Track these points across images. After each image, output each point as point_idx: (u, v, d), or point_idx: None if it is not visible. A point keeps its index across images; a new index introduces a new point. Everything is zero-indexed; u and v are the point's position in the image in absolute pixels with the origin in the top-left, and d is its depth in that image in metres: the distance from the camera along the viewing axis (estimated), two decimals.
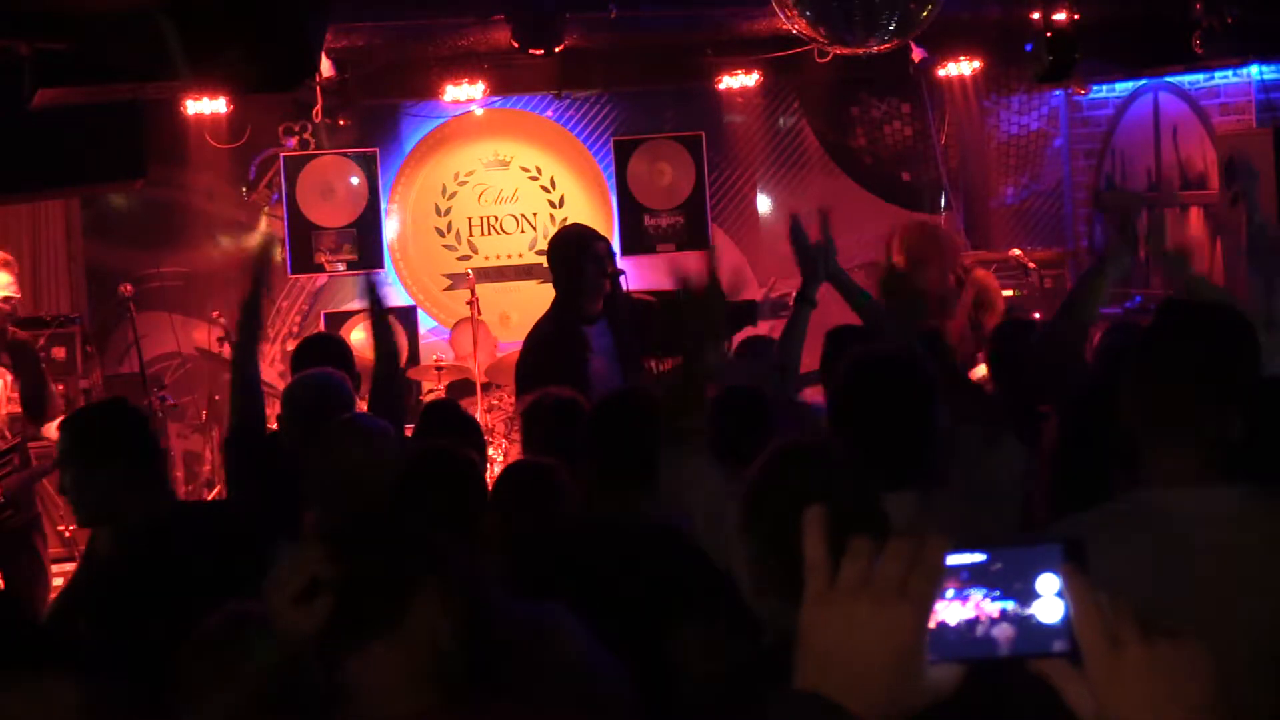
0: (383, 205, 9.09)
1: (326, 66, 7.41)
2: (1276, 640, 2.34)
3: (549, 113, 9.39)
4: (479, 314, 8.13)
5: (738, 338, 6.31)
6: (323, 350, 5.09)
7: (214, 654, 2.39)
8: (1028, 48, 7.22)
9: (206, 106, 7.96)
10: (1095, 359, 4.26)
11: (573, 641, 2.79)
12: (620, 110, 9.46)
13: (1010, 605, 1.12)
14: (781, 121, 9.75)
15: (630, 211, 9.38)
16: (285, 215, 8.88)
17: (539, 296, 7.74)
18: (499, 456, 7.27)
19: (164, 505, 3.91)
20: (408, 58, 8.33)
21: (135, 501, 3.71)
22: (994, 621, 1.12)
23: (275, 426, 4.91)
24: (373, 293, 5.20)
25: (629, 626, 2.96)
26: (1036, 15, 7.15)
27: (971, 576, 1.13)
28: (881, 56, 6.31)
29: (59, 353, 7.34)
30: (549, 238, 6.61)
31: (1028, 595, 1.12)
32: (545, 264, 6.25)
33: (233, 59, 4.52)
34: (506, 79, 8.65)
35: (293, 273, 8.99)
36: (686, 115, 9.48)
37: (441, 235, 9.28)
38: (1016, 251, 8.70)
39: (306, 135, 8.80)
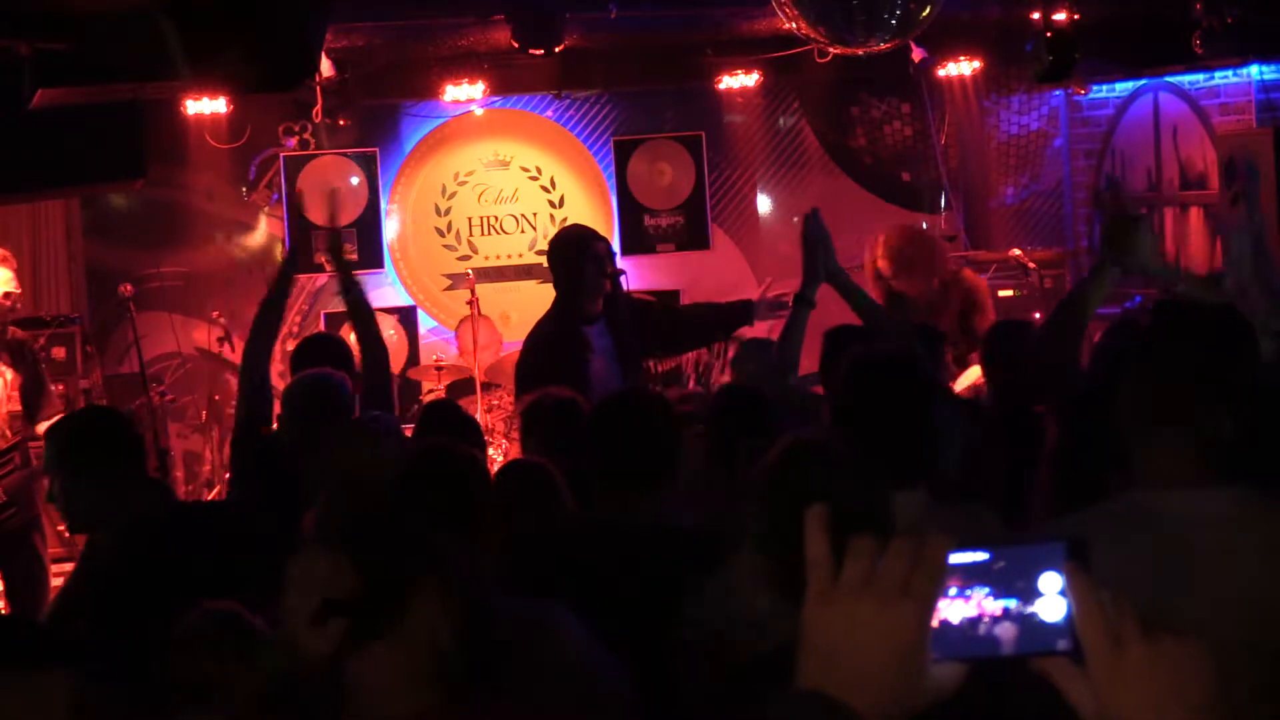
0: (383, 205, 9.09)
1: (326, 66, 7.40)
2: (1269, 643, 2.33)
3: (549, 113, 9.39)
4: (479, 314, 8.13)
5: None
6: (322, 350, 5.10)
7: (197, 654, 2.38)
8: (1028, 47, 7.22)
9: (206, 106, 7.96)
10: (1095, 359, 4.26)
11: (573, 641, 2.79)
12: (620, 110, 9.45)
13: (1013, 604, 1.12)
14: (781, 121, 9.74)
15: (630, 211, 9.38)
16: (285, 215, 8.88)
17: (539, 296, 7.74)
18: (499, 456, 7.27)
19: (158, 507, 3.91)
20: (408, 58, 8.33)
21: (122, 507, 3.73)
22: (996, 620, 1.12)
23: (275, 426, 4.91)
24: (355, 296, 5.19)
25: (629, 626, 2.96)
26: (1036, 15, 7.15)
27: (974, 575, 1.13)
28: (881, 56, 6.30)
29: (59, 353, 7.34)
30: (549, 238, 6.61)
31: (1030, 594, 1.12)
32: (545, 264, 6.25)
33: (233, 59, 4.52)
34: (506, 79, 8.65)
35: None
36: (686, 115, 9.48)
37: (441, 235, 9.27)
38: (1016, 251, 8.69)
39: (306, 135, 8.80)
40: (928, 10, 5.60)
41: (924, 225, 9.56)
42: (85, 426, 3.97)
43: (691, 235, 9.41)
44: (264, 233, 9.07)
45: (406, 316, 9.05)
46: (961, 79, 9.12)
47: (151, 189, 8.25)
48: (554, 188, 9.39)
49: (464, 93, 8.49)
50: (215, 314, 8.40)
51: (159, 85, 4.95)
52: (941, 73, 9.01)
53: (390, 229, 9.20)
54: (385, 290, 9.08)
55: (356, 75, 8.28)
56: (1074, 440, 3.31)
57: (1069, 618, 1.11)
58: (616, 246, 8.00)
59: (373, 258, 9.01)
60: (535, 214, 9.34)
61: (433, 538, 2.22)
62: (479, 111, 9.07)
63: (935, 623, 1.13)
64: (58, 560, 6.41)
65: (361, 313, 5.16)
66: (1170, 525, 2.42)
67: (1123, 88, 9.20)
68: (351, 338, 5.24)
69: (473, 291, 8.15)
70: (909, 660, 1.13)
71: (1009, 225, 9.81)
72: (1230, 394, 2.52)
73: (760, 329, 6.20)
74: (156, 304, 8.67)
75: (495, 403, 8.07)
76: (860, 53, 5.94)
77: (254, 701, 2.42)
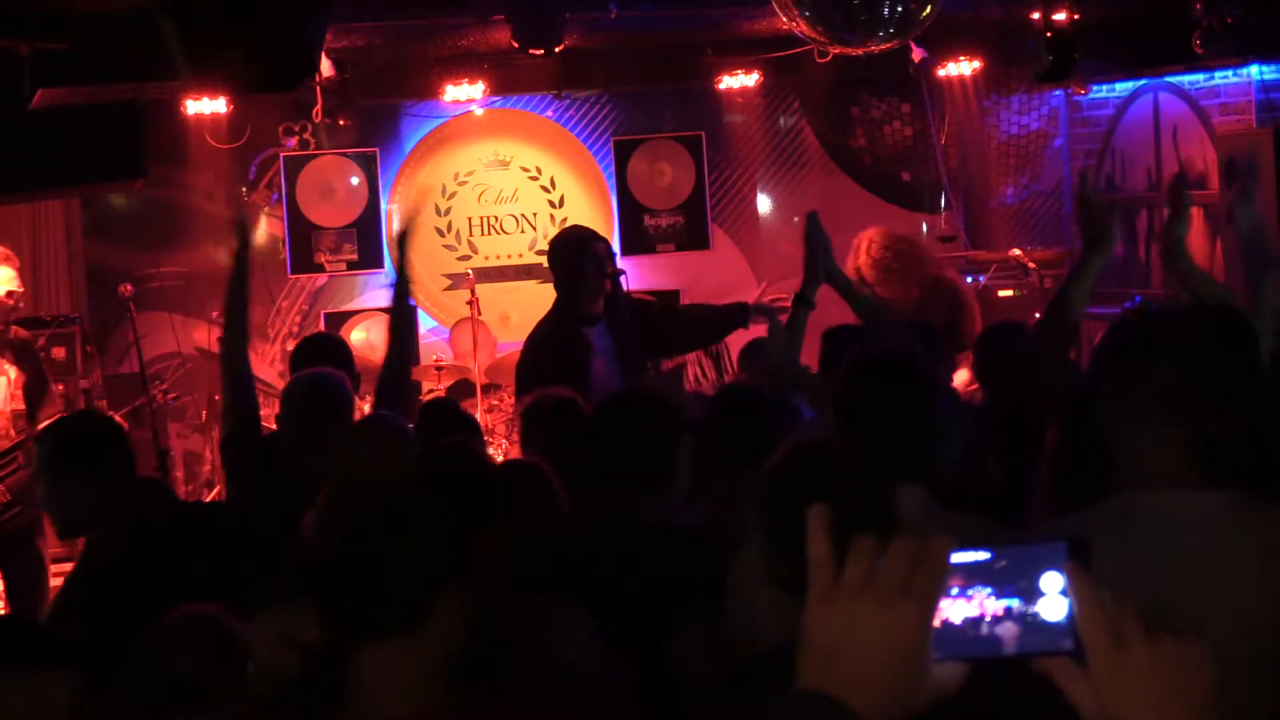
0: (383, 205, 9.08)
1: (326, 66, 7.40)
2: (1260, 646, 2.33)
3: (549, 113, 9.39)
4: (479, 314, 8.13)
5: (740, 340, 6.32)
6: (322, 350, 5.09)
7: (173, 656, 2.38)
8: (1029, 44, 7.21)
9: (206, 106, 7.95)
10: (1095, 359, 4.25)
11: (575, 640, 2.78)
12: (620, 110, 9.45)
13: (1014, 603, 1.12)
14: (781, 121, 9.74)
15: (630, 211, 9.37)
16: (285, 215, 8.88)
17: (539, 296, 7.74)
18: (499, 457, 7.27)
19: (155, 507, 3.91)
20: (408, 58, 8.32)
21: (113, 511, 3.73)
22: (998, 620, 1.12)
23: (274, 426, 4.91)
24: (402, 294, 5.14)
25: (629, 626, 2.96)
26: (1036, 15, 7.15)
27: (975, 574, 1.13)
28: (881, 56, 6.30)
29: (59, 353, 7.34)
30: (549, 238, 6.61)
31: (1032, 593, 1.12)
32: (545, 264, 6.25)
33: (233, 59, 4.52)
34: (506, 79, 8.65)
35: (293, 273, 8.99)
36: (686, 115, 9.47)
37: (441, 235, 9.27)
38: (1016, 251, 8.70)
39: (306, 135, 8.79)
40: (928, 10, 5.60)
41: (923, 225, 9.60)
42: (73, 432, 3.98)
43: (691, 235, 9.41)
44: (264, 233, 9.07)
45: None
46: (961, 79, 9.12)
47: (151, 189, 8.25)
48: (554, 188, 9.39)
49: (464, 93, 8.48)
50: (215, 314, 8.37)
51: (159, 85, 4.95)
52: (941, 73, 9.01)
53: (390, 229, 9.20)
54: (385, 290, 9.07)
55: (356, 75, 8.28)
56: (1073, 441, 3.31)
57: (1070, 617, 1.11)
58: (616, 246, 8.00)
59: (373, 258, 9.01)
60: (535, 214, 9.34)
61: (459, 538, 2.22)
62: (479, 111, 9.07)
63: (937, 623, 1.13)
64: (58, 560, 6.40)
65: (406, 315, 5.13)
66: (1163, 527, 2.42)
67: (1123, 88, 9.20)
68: (352, 337, 5.24)
69: (473, 291, 8.15)
70: (910, 660, 1.13)
71: (1009, 225, 9.81)
72: (1225, 394, 2.51)
73: (757, 333, 6.20)
74: (156, 304, 8.66)
75: (495, 403, 8.07)
76: (860, 53, 5.94)
77: (243, 702, 2.42)
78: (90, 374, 7.63)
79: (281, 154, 8.87)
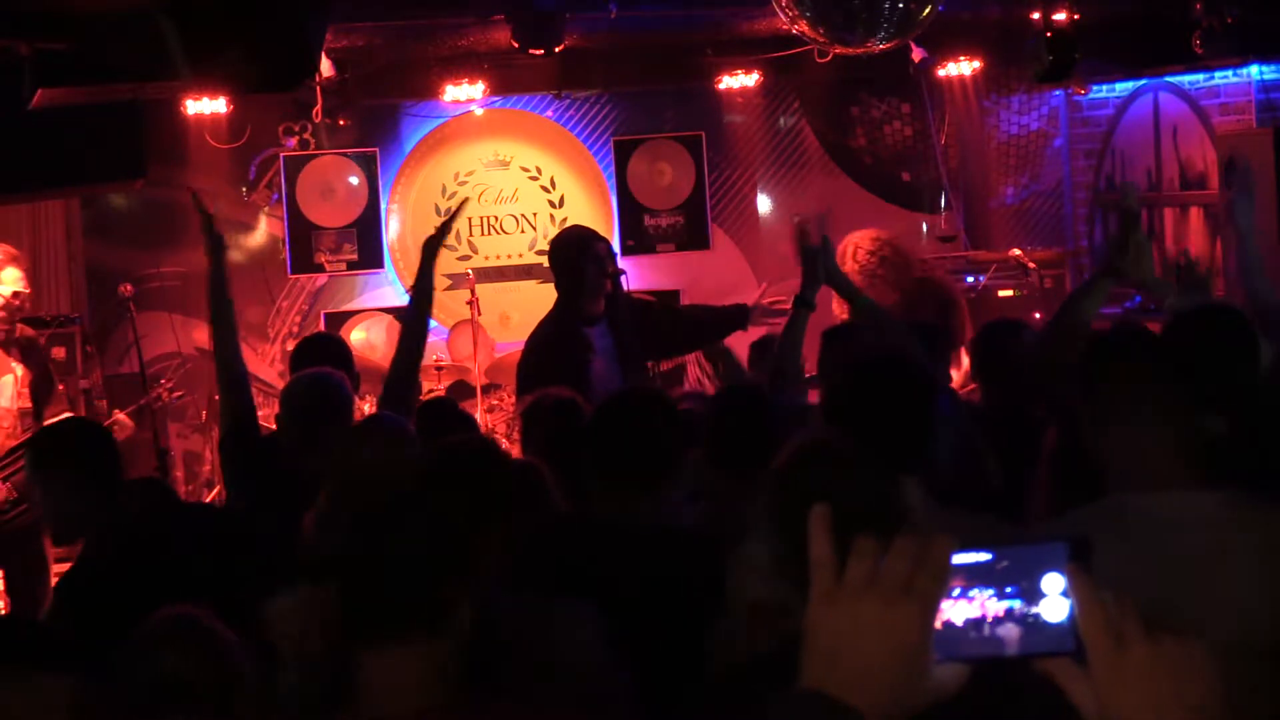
0: (383, 205, 9.08)
1: (326, 66, 7.40)
2: (1256, 645, 2.33)
3: (549, 113, 9.39)
4: (479, 314, 8.13)
5: (741, 340, 6.32)
6: (322, 350, 5.09)
7: (157, 656, 2.38)
8: (1029, 44, 7.21)
9: (206, 106, 7.95)
10: (1086, 361, 4.25)
11: (576, 640, 2.78)
12: (620, 110, 9.45)
13: (1016, 604, 1.12)
14: (781, 121, 9.74)
15: (630, 211, 9.37)
16: (285, 215, 8.88)
17: (539, 296, 7.73)
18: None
19: (153, 508, 3.92)
20: (408, 58, 8.32)
21: (105, 516, 3.74)
22: (999, 620, 1.12)
23: (274, 426, 4.91)
24: (422, 302, 5.04)
25: (629, 626, 2.96)
26: (1036, 15, 7.14)
27: (977, 575, 1.13)
28: (881, 56, 6.30)
29: (59, 353, 7.34)
30: (549, 239, 6.60)
31: (1033, 594, 1.12)
32: (545, 264, 6.24)
33: (233, 59, 4.53)
34: (506, 79, 8.64)
35: (293, 273, 8.98)
36: (686, 115, 9.47)
37: None
38: (1016, 251, 8.69)
39: (306, 135, 8.79)
40: (928, 10, 5.60)
41: (923, 225, 9.60)
42: (58, 439, 4.00)
43: (691, 235, 9.41)
44: (264, 233, 9.07)
45: None
46: (961, 79, 9.12)
47: (151, 189, 8.24)
48: (554, 188, 9.38)
49: (464, 93, 8.48)
50: None
51: (159, 85, 4.95)
52: (941, 73, 9.01)
53: (390, 229, 9.20)
54: (385, 290, 9.09)
55: (356, 75, 8.28)
56: (1075, 441, 3.30)
57: (1072, 618, 1.11)
58: (616, 246, 7.99)
59: (373, 258, 9.01)
60: (535, 214, 9.34)
61: (462, 538, 2.22)
62: (479, 111, 9.06)
63: (938, 624, 1.13)
64: (59, 560, 6.41)
65: (422, 313, 5.02)
66: (1159, 527, 2.42)
67: (1123, 88, 9.20)
68: (352, 337, 5.23)
69: (473, 291, 8.15)
70: (912, 660, 1.13)
71: (1009, 225, 9.81)
72: (1220, 394, 2.52)
73: (758, 333, 6.21)
74: (156, 304, 8.66)
75: (495, 403, 8.07)
76: (860, 53, 5.94)
77: (234, 702, 2.41)
78: (90, 374, 7.63)
79: (281, 154, 8.86)
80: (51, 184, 5.94)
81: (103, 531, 3.75)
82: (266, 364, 8.61)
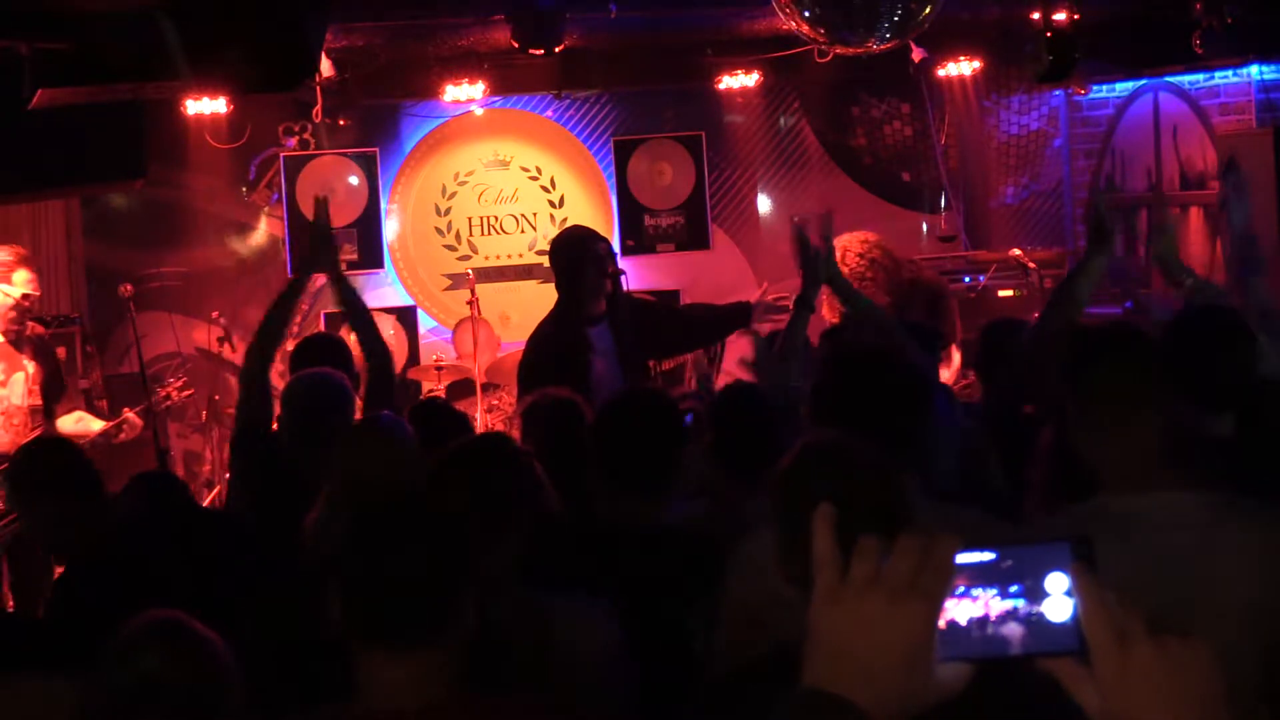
0: (383, 205, 9.08)
1: (326, 66, 7.40)
2: (1258, 644, 2.33)
3: (549, 113, 9.39)
4: (479, 314, 8.13)
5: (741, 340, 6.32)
6: (322, 350, 5.10)
7: (137, 660, 2.37)
8: (1029, 44, 7.21)
9: (206, 106, 7.95)
10: (1067, 364, 4.25)
11: (580, 638, 2.78)
12: (620, 110, 9.45)
13: (1019, 604, 1.12)
14: (781, 121, 9.74)
15: (630, 211, 9.37)
16: (285, 215, 8.88)
17: (539, 296, 7.73)
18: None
19: (132, 520, 3.93)
20: (408, 58, 8.32)
21: (89, 526, 3.76)
22: (1003, 620, 1.12)
23: (275, 426, 4.91)
24: (344, 292, 5.15)
25: (630, 626, 2.96)
26: (1036, 15, 7.14)
27: (981, 575, 1.13)
28: (881, 56, 6.30)
29: (59, 352, 7.34)
30: (550, 239, 6.60)
31: (1037, 593, 1.12)
32: (545, 264, 6.24)
33: (233, 59, 4.52)
34: (506, 79, 8.65)
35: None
36: (686, 115, 9.47)
37: (441, 235, 9.27)
38: (1016, 251, 8.69)
39: (306, 135, 8.79)
40: (928, 10, 5.59)
41: (923, 225, 9.60)
42: (33, 464, 4.03)
43: (691, 235, 9.41)
44: (264, 233, 9.07)
45: (406, 316, 9.05)
46: (961, 79, 9.12)
47: (151, 189, 8.25)
48: (554, 188, 9.38)
49: (464, 93, 8.48)
50: (215, 314, 8.39)
51: (159, 85, 4.94)
52: (941, 73, 9.01)
53: (390, 229, 9.20)
54: (385, 290, 9.08)
55: (356, 75, 8.27)
56: (1067, 440, 3.30)
57: (1075, 617, 1.11)
58: (616, 246, 7.99)
59: (373, 258, 9.01)
60: (535, 214, 9.34)
61: (467, 538, 2.22)
62: (479, 111, 9.06)
63: (942, 623, 1.13)
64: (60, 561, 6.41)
65: (357, 309, 5.13)
66: (1142, 529, 2.42)
67: (1123, 88, 9.20)
68: (352, 337, 5.22)
69: (473, 291, 8.15)
70: (915, 659, 1.13)
71: (1009, 225, 9.81)
72: (1221, 395, 2.51)
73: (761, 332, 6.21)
74: (156, 304, 8.67)
75: (495, 403, 8.07)
76: (860, 53, 5.93)
77: (213, 704, 2.41)
78: (90, 374, 7.64)
79: (281, 154, 8.87)
80: (52, 184, 5.93)
81: (90, 539, 3.76)
82: None
